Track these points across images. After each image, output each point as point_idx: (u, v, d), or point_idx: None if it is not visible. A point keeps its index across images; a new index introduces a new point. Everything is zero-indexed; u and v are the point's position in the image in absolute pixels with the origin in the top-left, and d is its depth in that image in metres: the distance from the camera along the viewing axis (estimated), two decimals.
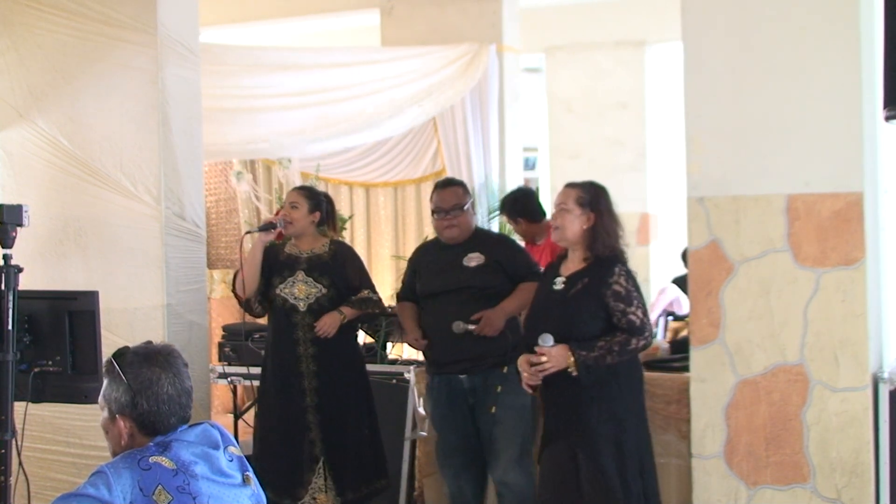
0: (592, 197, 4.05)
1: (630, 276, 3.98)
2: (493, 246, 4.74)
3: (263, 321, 5.17)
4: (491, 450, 4.60)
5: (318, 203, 4.95)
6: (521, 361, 3.99)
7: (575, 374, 3.85)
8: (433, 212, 4.79)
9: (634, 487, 3.90)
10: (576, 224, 4.01)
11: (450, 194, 4.74)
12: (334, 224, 5.10)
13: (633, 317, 3.90)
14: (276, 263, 4.90)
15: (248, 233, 5.16)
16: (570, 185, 4.13)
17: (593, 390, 3.89)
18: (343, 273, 4.89)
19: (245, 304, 4.92)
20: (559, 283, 4.04)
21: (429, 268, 4.79)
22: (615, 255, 4.00)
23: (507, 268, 4.65)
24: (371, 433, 4.95)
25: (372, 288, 4.95)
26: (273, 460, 4.78)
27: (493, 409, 4.52)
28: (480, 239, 4.78)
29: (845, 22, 4.07)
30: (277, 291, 4.86)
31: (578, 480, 3.89)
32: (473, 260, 4.64)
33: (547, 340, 3.89)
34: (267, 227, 4.90)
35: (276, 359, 4.93)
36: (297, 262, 4.88)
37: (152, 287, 4.98)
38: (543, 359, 3.88)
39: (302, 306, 4.83)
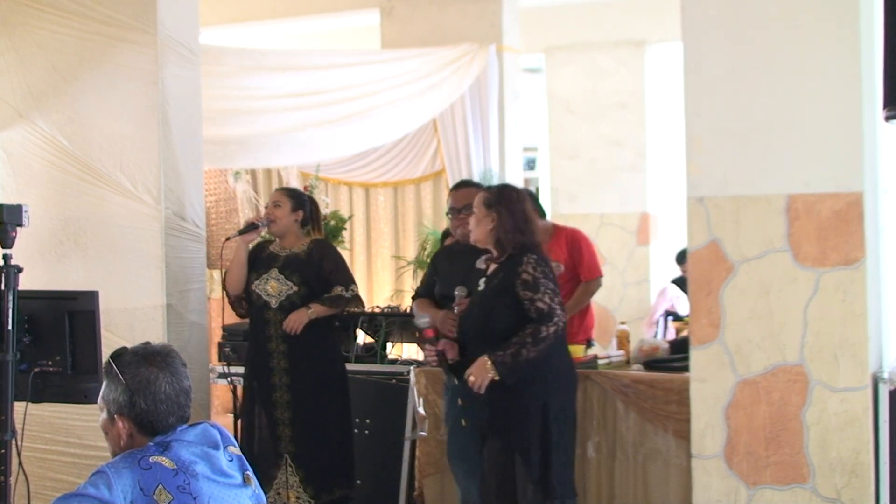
0: (495, 197, 4.20)
1: (539, 263, 4.09)
2: None
3: None
4: None
5: (301, 203, 5.06)
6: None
7: (497, 378, 4.01)
8: (447, 212, 4.92)
9: (558, 477, 4.07)
10: (481, 225, 4.19)
11: (463, 194, 4.79)
12: (319, 226, 5.18)
13: (540, 304, 4.02)
14: (256, 260, 5.01)
15: (227, 239, 5.20)
16: (483, 189, 4.37)
17: (518, 385, 4.04)
18: (318, 271, 4.95)
19: (232, 303, 5.04)
20: (481, 284, 4.23)
21: (447, 270, 4.82)
22: (527, 247, 4.12)
23: None
24: (342, 435, 4.98)
25: (347, 285, 4.97)
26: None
27: (464, 423, 4.51)
28: None
29: (845, 22, 4.07)
30: (253, 287, 4.96)
31: (511, 473, 4.11)
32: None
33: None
34: (248, 228, 5.01)
35: (251, 354, 5.06)
36: (275, 260, 4.98)
37: (152, 287, 4.99)
38: (472, 379, 4.04)
39: (273, 303, 4.93)
